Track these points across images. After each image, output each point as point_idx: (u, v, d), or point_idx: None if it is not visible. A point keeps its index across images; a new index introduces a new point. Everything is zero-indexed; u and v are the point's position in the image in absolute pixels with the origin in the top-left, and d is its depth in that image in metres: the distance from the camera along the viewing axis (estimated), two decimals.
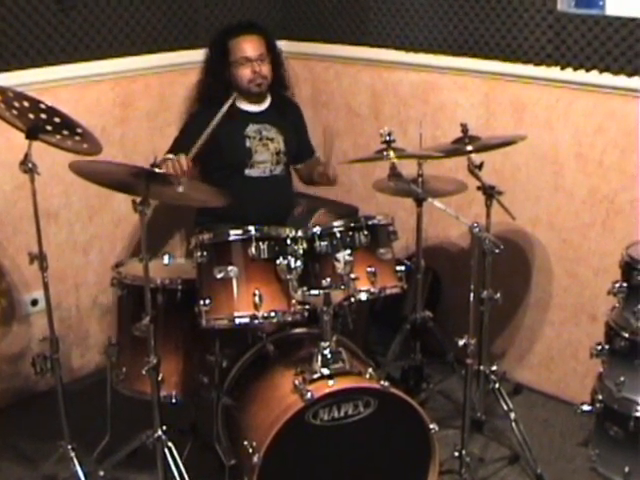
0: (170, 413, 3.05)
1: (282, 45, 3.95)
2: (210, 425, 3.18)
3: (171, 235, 4.22)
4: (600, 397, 3.22)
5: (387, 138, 2.95)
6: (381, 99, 4.17)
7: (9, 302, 3.75)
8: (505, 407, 3.37)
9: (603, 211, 3.53)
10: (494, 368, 3.42)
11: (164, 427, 2.95)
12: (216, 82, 3.67)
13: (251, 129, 3.67)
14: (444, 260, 4.07)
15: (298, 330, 3.21)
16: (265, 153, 3.67)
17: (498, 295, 3.31)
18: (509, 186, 3.58)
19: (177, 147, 3.54)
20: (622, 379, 3.13)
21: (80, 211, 3.88)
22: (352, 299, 2.97)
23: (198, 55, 4.00)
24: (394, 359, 3.71)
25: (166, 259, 3.37)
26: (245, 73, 3.62)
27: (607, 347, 3.21)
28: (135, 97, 3.98)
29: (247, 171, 3.65)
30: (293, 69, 3.98)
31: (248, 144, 3.65)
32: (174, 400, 3.14)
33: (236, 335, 3.21)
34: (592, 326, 3.59)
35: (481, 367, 3.40)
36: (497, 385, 3.40)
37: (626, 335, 3.13)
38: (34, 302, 3.76)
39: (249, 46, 3.63)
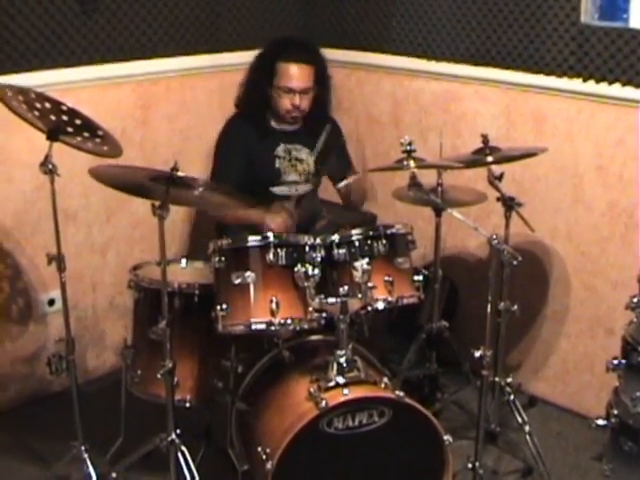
0: (184, 417, 3.04)
1: None
2: (224, 430, 3.17)
3: (191, 239, 4.23)
4: (615, 412, 3.18)
5: (408, 148, 2.94)
6: (402, 107, 4.16)
7: (26, 301, 3.76)
8: (520, 420, 3.36)
9: (622, 224, 3.52)
10: (509, 380, 3.41)
11: (178, 431, 2.95)
12: (257, 95, 3.58)
13: (281, 149, 3.63)
14: (462, 270, 4.06)
15: (314, 337, 3.21)
16: (293, 174, 3.64)
17: (515, 307, 3.31)
18: (528, 197, 3.56)
19: (221, 177, 3.51)
20: (638, 394, 3.10)
21: (98, 212, 3.90)
22: (369, 308, 2.96)
23: (220, 59, 4.04)
24: (409, 368, 3.70)
25: (184, 263, 3.37)
26: (284, 102, 3.54)
27: (623, 362, 3.18)
28: (156, 100, 3.99)
29: (274, 189, 3.62)
30: None
31: (277, 164, 3.62)
32: (188, 404, 3.14)
33: (252, 341, 3.21)
34: (608, 340, 3.57)
35: (496, 379, 3.38)
36: (512, 397, 3.39)
37: None
38: (51, 302, 3.77)
39: (296, 77, 3.50)
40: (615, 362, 3.18)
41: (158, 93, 3.99)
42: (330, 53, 4.24)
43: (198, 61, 4.07)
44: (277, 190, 3.63)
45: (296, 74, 3.50)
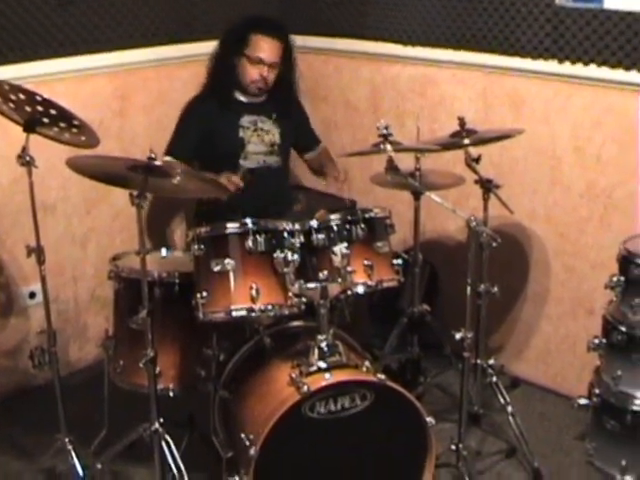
0: (168, 406, 3.04)
1: None
2: (207, 418, 3.18)
3: (172, 228, 4.23)
4: (597, 391, 3.22)
5: (384, 131, 2.94)
6: (380, 93, 4.17)
7: (7, 295, 3.75)
8: (502, 401, 3.37)
9: (601, 205, 3.54)
10: (491, 362, 3.43)
11: (161, 420, 2.95)
12: (223, 66, 3.69)
13: (246, 120, 3.70)
14: (442, 254, 4.07)
15: (295, 323, 3.22)
16: (260, 144, 3.70)
17: (495, 289, 3.32)
18: (507, 180, 3.57)
19: (175, 149, 3.61)
20: (619, 373, 3.13)
21: (78, 204, 3.89)
22: (349, 292, 2.96)
23: (196, 48, 4.03)
24: (391, 352, 3.72)
25: (164, 252, 3.37)
26: (252, 72, 3.64)
27: (604, 341, 3.20)
28: (133, 90, 3.98)
29: (241, 162, 3.67)
30: None
31: (241, 134, 3.68)
32: (171, 393, 3.13)
33: (233, 328, 3.22)
34: (589, 320, 3.59)
35: (478, 361, 3.40)
36: (494, 379, 3.40)
37: (623, 329, 3.12)
38: (32, 295, 3.76)
39: (268, 49, 3.63)
40: (596, 341, 3.23)
41: (135, 84, 3.98)
42: (308, 40, 4.28)
43: (174, 51, 4.07)
44: (245, 163, 3.69)
45: (268, 46, 3.63)
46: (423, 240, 3.76)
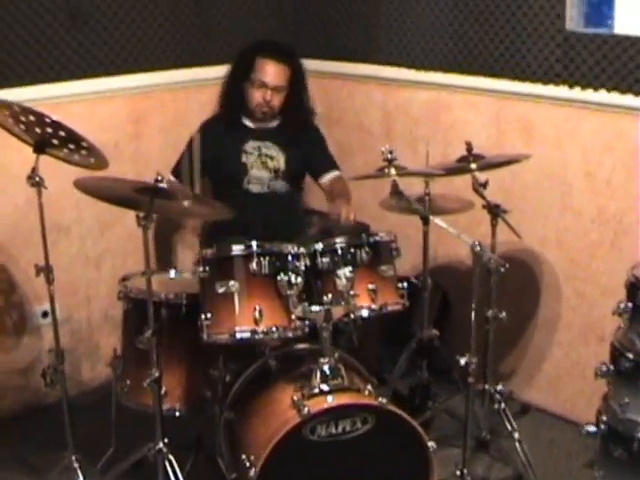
0: (175, 426, 3.07)
1: None
2: (214, 439, 3.19)
3: (184, 249, 4.25)
4: (605, 418, 3.18)
5: (388, 156, 2.96)
6: (393, 117, 4.19)
7: (20, 314, 3.79)
8: (509, 427, 3.35)
9: (611, 231, 3.52)
10: (499, 387, 3.41)
11: (166, 440, 2.97)
12: (231, 91, 3.73)
13: (250, 145, 3.73)
14: (454, 279, 4.06)
15: (301, 346, 3.22)
16: (263, 170, 3.72)
17: (503, 314, 3.31)
18: (518, 205, 3.59)
19: (181, 172, 3.63)
20: (626, 400, 3.09)
21: (92, 225, 3.93)
22: (352, 315, 2.97)
23: (213, 72, 4.07)
24: (401, 376, 3.71)
25: (172, 273, 3.39)
26: (256, 96, 3.67)
27: (612, 368, 3.18)
28: (149, 113, 4.03)
29: (246, 186, 3.70)
30: None
31: (244, 159, 3.70)
32: (177, 413, 3.15)
33: (240, 350, 3.23)
34: (600, 346, 3.56)
35: (486, 386, 3.39)
36: (502, 405, 3.39)
37: (631, 356, 3.08)
38: (45, 314, 3.79)
39: (272, 73, 3.64)
40: (603, 368, 3.19)
41: (150, 106, 4.03)
42: (322, 64, 4.30)
43: (190, 74, 4.11)
44: (250, 187, 3.71)
45: (271, 70, 3.64)
46: (435, 265, 3.76)
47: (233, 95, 3.71)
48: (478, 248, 2.83)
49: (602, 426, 3.19)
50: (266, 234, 3.23)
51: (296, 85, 3.73)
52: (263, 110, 3.69)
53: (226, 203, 3.22)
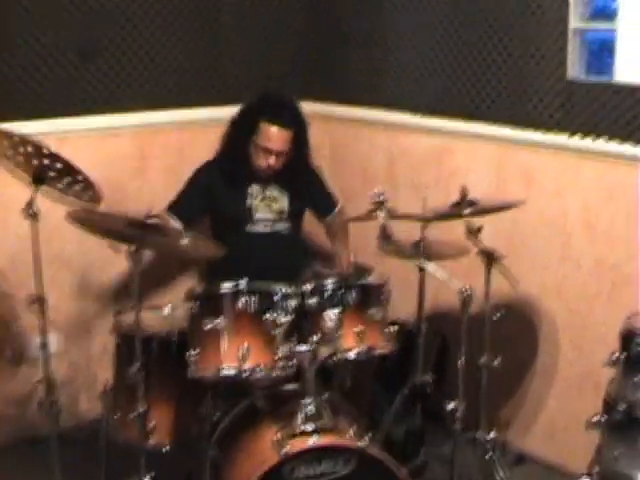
0: (166, 462, 3.07)
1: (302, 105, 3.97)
2: (203, 476, 3.18)
3: (183, 284, 4.26)
4: (597, 469, 3.15)
5: (379, 199, 2.97)
6: (396, 163, 4.20)
7: (19, 344, 3.82)
8: (499, 477, 3.31)
9: (609, 282, 3.49)
10: (491, 436, 3.37)
11: (153, 474, 2.97)
12: (233, 149, 3.70)
13: (254, 188, 3.72)
14: (453, 324, 4.02)
15: (290, 386, 3.21)
16: (267, 212, 3.72)
17: (498, 361, 3.28)
18: (518, 253, 3.59)
19: (174, 208, 3.68)
20: (618, 452, 3.05)
21: (94, 257, 3.94)
22: (337, 356, 2.97)
23: (220, 112, 4.08)
24: (396, 421, 3.68)
25: (167, 310, 3.40)
26: (260, 160, 3.63)
27: (604, 419, 3.14)
28: (154, 151, 4.07)
29: (248, 227, 3.71)
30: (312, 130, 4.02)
31: (249, 203, 3.70)
32: (164, 449, 3.15)
33: (230, 387, 3.23)
34: (597, 397, 3.50)
35: (476, 435, 3.35)
36: (492, 454, 3.35)
37: (623, 407, 3.06)
38: (43, 345, 3.81)
39: (276, 139, 3.59)
40: (595, 419, 3.15)
41: (156, 144, 4.07)
42: (329, 108, 4.33)
43: (198, 114, 4.14)
44: (252, 228, 3.72)
45: (275, 136, 3.59)
46: (436, 309, 3.74)
47: (236, 154, 3.67)
48: (466, 293, 2.82)
49: (595, 477, 3.15)
50: (266, 274, 3.22)
51: (299, 144, 3.69)
52: (266, 172, 3.66)
53: (227, 243, 3.23)
